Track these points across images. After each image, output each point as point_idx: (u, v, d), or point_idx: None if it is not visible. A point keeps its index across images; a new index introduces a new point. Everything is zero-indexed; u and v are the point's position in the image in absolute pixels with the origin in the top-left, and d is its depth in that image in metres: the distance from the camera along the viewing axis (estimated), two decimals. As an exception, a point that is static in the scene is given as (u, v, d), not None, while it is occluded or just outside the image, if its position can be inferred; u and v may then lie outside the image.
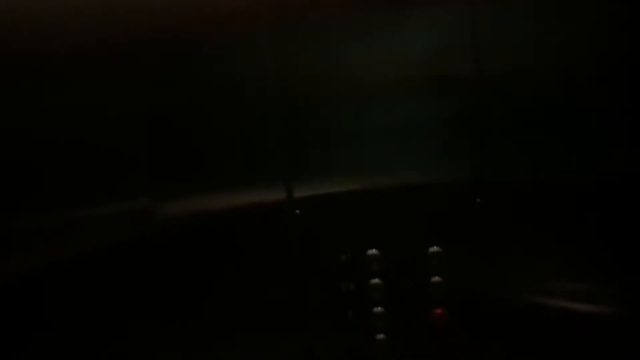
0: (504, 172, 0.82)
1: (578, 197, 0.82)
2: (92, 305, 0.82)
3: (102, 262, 0.81)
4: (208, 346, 0.84)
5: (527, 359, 0.85)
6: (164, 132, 0.80)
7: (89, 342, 0.82)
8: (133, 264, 0.82)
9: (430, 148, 0.81)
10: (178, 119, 0.80)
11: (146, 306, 0.83)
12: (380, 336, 0.84)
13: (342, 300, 0.83)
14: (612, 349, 0.83)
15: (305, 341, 0.84)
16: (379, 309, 0.83)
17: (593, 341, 0.83)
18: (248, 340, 0.84)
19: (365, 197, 0.81)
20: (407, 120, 0.81)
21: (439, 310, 0.83)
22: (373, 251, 0.82)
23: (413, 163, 0.82)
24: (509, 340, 0.84)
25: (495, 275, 0.83)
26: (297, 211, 0.80)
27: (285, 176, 0.81)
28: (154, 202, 0.81)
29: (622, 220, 0.82)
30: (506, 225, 0.83)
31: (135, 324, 0.82)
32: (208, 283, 0.82)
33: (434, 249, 0.82)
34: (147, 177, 0.80)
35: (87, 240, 0.82)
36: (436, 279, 0.82)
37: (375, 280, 0.82)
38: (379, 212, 0.82)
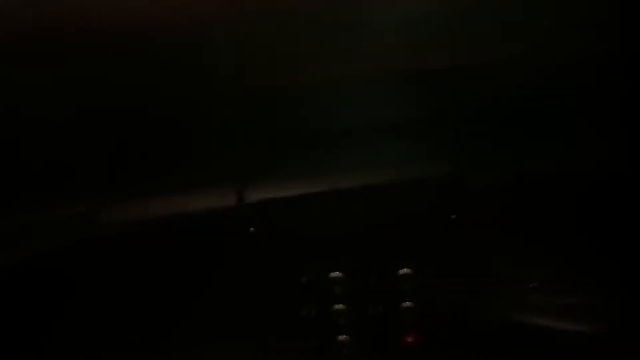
0: (481, 181, 0.75)
1: (560, 208, 0.74)
2: (32, 313, 0.75)
3: (42, 269, 0.74)
4: None
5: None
6: (106, 133, 0.73)
7: (24, 351, 0.75)
8: (73, 272, 0.74)
9: (403, 151, 0.74)
10: (121, 119, 0.72)
11: (86, 315, 0.75)
12: (346, 365, 0.76)
13: (304, 326, 0.76)
14: None
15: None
16: (344, 337, 0.75)
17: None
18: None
19: (327, 210, 0.74)
20: (377, 119, 0.73)
21: (410, 338, 0.75)
22: (337, 273, 0.74)
23: (381, 170, 0.74)
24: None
25: (473, 299, 0.76)
26: (251, 229, 0.73)
27: (236, 179, 0.73)
28: (94, 206, 0.74)
29: (609, 232, 0.74)
30: (484, 243, 0.76)
31: (76, 332, 0.75)
32: (149, 298, 0.75)
33: (405, 270, 0.75)
34: (87, 181, 0.73)
35: (26, 247, 0.75)
36: (407, 303, 0.75)
37: (340, 306, 0.75)
38: (344, 228, 0.74)
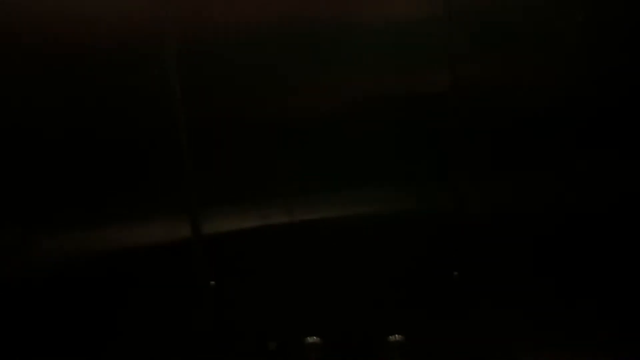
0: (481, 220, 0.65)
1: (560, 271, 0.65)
2: None
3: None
4: None
5: None
6: (49, 158, 0.63)
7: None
8: (6, 307, 0.64)
9: (380, 173, 0.64)
10: (68, 144, 0.63)
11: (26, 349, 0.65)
12: None
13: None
14: None
15: None
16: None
17: None
18: None
19: (302, 264, 0.63)
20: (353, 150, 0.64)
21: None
22: (313, 338, 0.63)
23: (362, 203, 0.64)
24: None
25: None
26: (212, 282, 0.62)
27: (190, 209, 0.63)
28: (31, 237, 0.64)
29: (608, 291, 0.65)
30: (487, 304, 0.65)
31: None
32: (95, 336, 0.64)
33: (395, 337, 0.63)
34: (24, 210, 0.64)
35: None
36: (397, 375, 0.63)
37: (317, 377, 0.63)
38: (321, 285, 0.63)
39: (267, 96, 0.63)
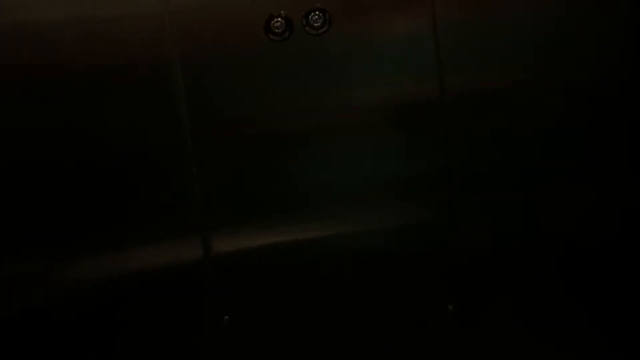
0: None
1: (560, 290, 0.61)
2: None
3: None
4: None
5: None
6: (60, 185, 0.66)
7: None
8: (28, 334, 0.66)
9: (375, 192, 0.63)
10: (77, 170, 0.65)
11: None
12: None
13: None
14: None
15: None
16: None
17: None
18: None
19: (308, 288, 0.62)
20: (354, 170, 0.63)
21: None
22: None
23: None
24: None
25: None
26: (226, 317, 0.63)
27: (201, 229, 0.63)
28: (49, 265, 0.66)
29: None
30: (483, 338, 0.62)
31: None
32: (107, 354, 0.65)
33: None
34: (41, 238, 0.66)
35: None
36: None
37: None
38: (325, 314, 0.63)
39: (274, 111, 0.64)
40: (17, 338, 0.67)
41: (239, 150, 0.64)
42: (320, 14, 0.64)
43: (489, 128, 0.64)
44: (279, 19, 0.62)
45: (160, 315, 0.66)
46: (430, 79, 0.61)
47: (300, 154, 0.64)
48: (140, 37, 0.62)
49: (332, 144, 0.63)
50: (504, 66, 0.62)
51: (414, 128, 0.63)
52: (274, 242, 0.63)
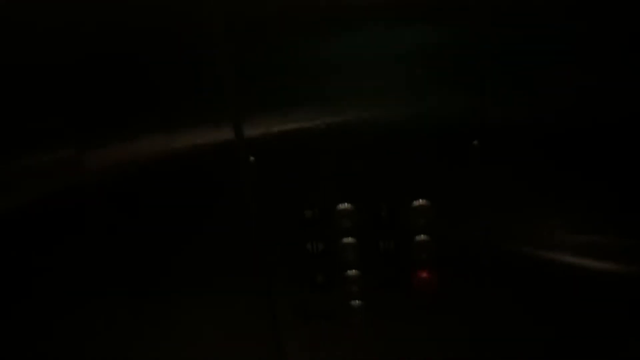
0: (506, 108, 0.68)
1: (589, 141, 0.68)
2: (21, 261, 0.71)
3: (30, 218, 0.70)
4: (154, 309, 0.73)
5: (528, 325, 0.72)
6: (93, 72, 0.66)
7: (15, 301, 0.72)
8: (64, 219, 0.70)
9: (415, 80, 0.65)
10: (111, 56, 0.66)
11: (82, 264, 0.71)
12: (356, 303, 0.71)
13: (310, 262, 0.71)
14: (621, 306, 0.70)
15: (268, 310, 0.72)
16: (353, 272, 0.70)
17: (602, 299, 0.71)
18: (199, 304, 0.72)
19: (334, 138, 0.67)
20: (386, 46, 0.66)
21: (424, 274, 0.70)
22: (345, 205, 0.69)
23: (394, 97, 0.66)
24: (506, 307, 0.72)
25: (493, 233, 0.70)
26: (251, 158, 0.67)
27: (233, 114, 0.67)
28: (84, 149, 0.68)
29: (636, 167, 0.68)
30: (507, 172, 0.69)
31: (67, 279, 0.72)
32: (149, 240, 0.70)
33: (420, 201, 0.69)
34: (75, 122, 0.68)
35: (10, 195, 0.70)
36: (422, 237, 0.69)
37: (349, 240, 0.70)
38: (351, 157, 0.68)
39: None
40: (42, 224, 0.71)
41: (270, 36, 0.65)
42: None
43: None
44: None
45: (199, 186, 0.70)
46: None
47: (330, 30, 0.64)
48: None
49: (362, 24, 0.64)
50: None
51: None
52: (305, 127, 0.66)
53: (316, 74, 0.64)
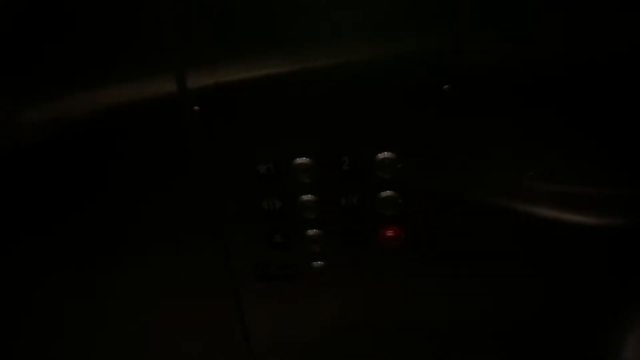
0: (481, 51, 0.62)
1: (566, 86, 0.62)
2: None
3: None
4: (108, 272, 0.69)
5: (498, 283, 0.69)
6: (24, 23, 0.59)
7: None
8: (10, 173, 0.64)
9: (379, 19, 0.58)
10: (40, 4, 0.59)
11: (23, 224, 0.67)
12: (317, 263, 0.67)
13: (266, 222, 0.66)
14: (598, 257, 0.67)
15: (226, 270, 0.68)
16: (314, 231, 0.66)
17: (580, 252, 0.67)
18: (155, 263, 0.68)
19: (290, 85, 0.61)
20: None
21: (390, 231, 0.66)
22: (303, 159, 0.63)
23: (356, 39, 0.60)
24: (476, 264, 0.68)
25: (463, 186, 0.65)
26: (196, 107, 0.61)
27: (175, 63, 0.60)
28: (18, 106, 0.62)
29: (615, 114, 0.63)
30: (481, 120, 0.64)
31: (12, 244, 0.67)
32: (94, 201, 0.65)
33: (385, 154, 0.63)
34: (7, 77, 0.61)
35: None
36: (387, 193, 0.64)
37: (308, 197, 0.64)
38: (309, 106, 0.62)
39: None
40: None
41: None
42: None
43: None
44: None
45: (142, 140, 0.64)
46: None
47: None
48: None
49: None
50: None
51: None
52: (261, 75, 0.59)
53: (269, 14, 0.58)
